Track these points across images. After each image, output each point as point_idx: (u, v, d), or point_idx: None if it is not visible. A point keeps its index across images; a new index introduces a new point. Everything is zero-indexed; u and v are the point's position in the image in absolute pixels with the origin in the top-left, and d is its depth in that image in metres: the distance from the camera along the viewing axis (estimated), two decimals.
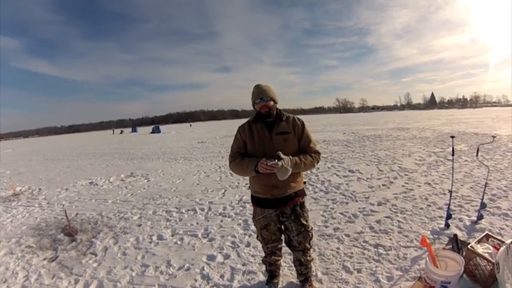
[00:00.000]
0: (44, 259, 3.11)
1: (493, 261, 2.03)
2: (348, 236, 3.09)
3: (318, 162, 1.98)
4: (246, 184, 5.52)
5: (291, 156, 1.85)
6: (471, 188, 4.38)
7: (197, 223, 3.85)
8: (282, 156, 1.79)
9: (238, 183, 5.79)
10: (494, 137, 3.66)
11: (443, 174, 5.26)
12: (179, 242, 3.29)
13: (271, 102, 1.95)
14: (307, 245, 2.14)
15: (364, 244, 2.88)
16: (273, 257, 2.25)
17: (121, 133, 44.71)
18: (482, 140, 8.69)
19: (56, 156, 15.18)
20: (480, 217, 3.16)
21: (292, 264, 2.35)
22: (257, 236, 2.26)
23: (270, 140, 1.93)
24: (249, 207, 4.19)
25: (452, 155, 3.17)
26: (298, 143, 1.98)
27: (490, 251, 2.17)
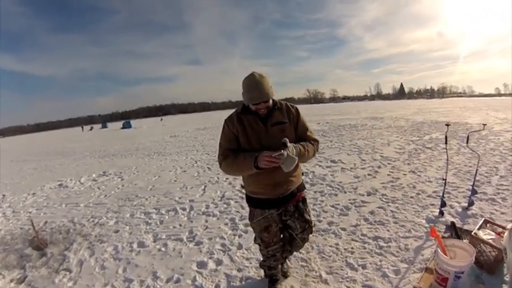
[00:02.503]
0: (11, 281, 2.67)
1: (498, 246, 2.06)
2: (344, 229, 2.96)
3: (317, 151, 1.82)
4: (227, 179, 5.29)
5: (294, 144, 1.63)
6: (454, 174, 4.44)
7: (180, 225, 3.56)
8: (288, 143, 1.57)
9: (218, 178, 5.54)
10: (484, 124, 3.70)
11: (426, 162, 5.32)
12: (163, 249, 2.98)
13: (271, 101, 1.67)
14: (308, 239, 2.02)
15: (362, 237, 2.76)
16: (272, 260, 2.03)
17: (91, 130, 43.11)
18: (455, 129, 9.00)
19: (22, 157, 14.03)
20: (471, 203, 3.17)
21: (293, 265, 2.18)
22: (255, 239, 2.01)
23: (265, 133, 1.68)
24: (234, 204, 4.00)
25: (446, 142, 3.15)
26: (294, 132, 1.76)
27: (493, 237, 2.19)
